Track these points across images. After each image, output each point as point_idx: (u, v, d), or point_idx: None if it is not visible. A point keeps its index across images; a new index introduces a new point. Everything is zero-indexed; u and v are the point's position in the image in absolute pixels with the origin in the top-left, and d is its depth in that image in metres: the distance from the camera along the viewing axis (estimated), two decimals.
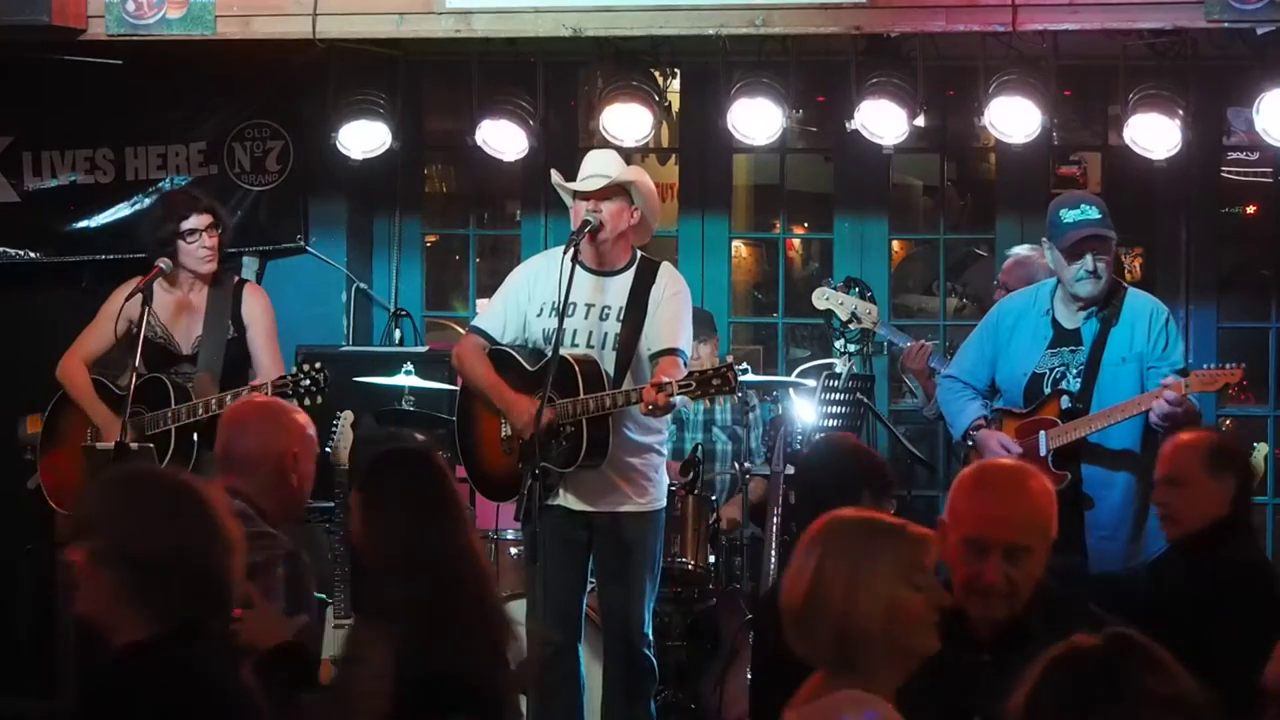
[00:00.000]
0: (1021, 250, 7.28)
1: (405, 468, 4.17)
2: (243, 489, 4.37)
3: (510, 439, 5.83)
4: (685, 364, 5.80)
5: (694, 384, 5.54)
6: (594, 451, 5.70)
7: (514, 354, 5.91)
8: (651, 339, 5.81)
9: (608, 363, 5.80)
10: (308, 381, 6.11)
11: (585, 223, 5.75)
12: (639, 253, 5.95)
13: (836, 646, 3.11)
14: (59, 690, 6.87)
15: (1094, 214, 6.01)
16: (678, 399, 5.56)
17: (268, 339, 6.53)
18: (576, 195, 5.83)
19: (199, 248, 6.40)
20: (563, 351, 5.69)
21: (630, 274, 5.88)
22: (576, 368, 5.70)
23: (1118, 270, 6.44)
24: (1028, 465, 4.08)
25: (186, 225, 6.38)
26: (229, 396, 6.19)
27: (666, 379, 5.51)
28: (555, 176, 5.97)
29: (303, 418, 4.63)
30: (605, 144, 7.17)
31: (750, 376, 6.68)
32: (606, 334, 5.84)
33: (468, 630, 3.99)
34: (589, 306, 5.82)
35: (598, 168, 5.86)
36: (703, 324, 7.33)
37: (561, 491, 5.79)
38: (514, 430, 5.77)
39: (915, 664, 3.19)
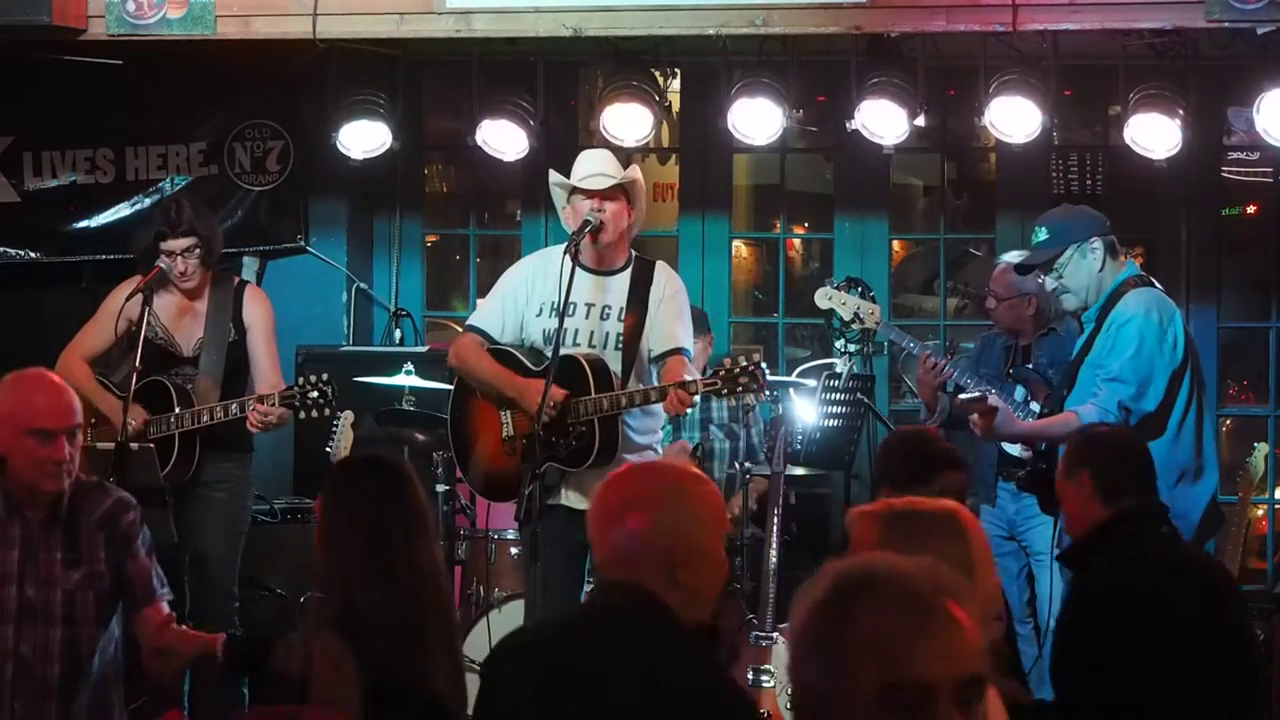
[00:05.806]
0: (1011, 257, 7.06)
1: (372, 476, 3.97)
2: None
3: (513, 438, 5.80)
4: (690, 361, 5.80)
5: (720, 382, 5.51)
6: (605, 451, 5.68)
7: (515, 353, 5.87)
8: (655, 339, 5.78)
9: (613, 362, 5.77)
10: (315, 394, 6.06)
11: (586, 222, 5.72)
12: (633, 252, 5.94)
13: None
14: None
15: (1039, 236, 6.06)
16: (697, 397, 5.56)
17: (267, 342, 6.50)
18: (581, 193, 5.79)
19: (174, 270, 6.38)
20: (569, 350, 5.67)
21: (628, 274, 5.85)
22: (587, 367, 5.66)
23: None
24: None
25: (164, 245, 6.34)
26: (235, 405, 6.17)
27: (691, 378, 5.50)
28: (554, 176, 5.94)
29: None
30: (605, 144, 7.16)
31: None
32: (609, 334, 5.82)
33: (431, 647, 3.85)
34: (589, 306, 5.79)
35: (599, 166, 5.80)
36: (695, 321, 7.32)
37: (564, 491, 5.77)
38: (527, 417, 5.67)
39: None
